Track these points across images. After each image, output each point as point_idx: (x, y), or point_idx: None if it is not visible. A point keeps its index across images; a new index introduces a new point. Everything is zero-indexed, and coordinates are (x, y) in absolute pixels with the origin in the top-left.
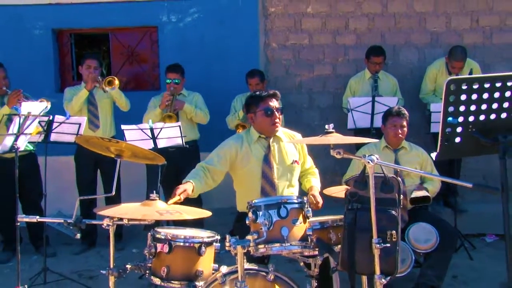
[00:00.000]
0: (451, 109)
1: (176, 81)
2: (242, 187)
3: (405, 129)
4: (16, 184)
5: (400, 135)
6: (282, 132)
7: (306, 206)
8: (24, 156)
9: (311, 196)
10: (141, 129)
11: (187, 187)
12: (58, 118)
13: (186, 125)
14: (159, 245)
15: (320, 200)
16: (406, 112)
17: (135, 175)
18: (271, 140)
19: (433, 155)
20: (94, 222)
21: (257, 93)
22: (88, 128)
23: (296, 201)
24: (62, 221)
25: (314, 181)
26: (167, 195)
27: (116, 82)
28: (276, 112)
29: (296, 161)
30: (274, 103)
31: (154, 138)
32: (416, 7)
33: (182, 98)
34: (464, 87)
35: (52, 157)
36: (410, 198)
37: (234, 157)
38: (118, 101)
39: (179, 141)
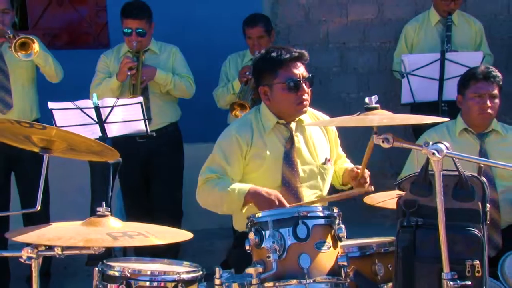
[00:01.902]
0: None
1: (140, 30)
2: None
3: (497, 101)
4: None
5: (489, 111)
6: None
7: (337, 221)
8: None
9: (350, 170)
10: (81, 109)
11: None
12: None
13: (161, 101)
14: (111, 287)
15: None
16: (499, 74)
17: (72, 179)
18: (293, 128)
19: None
20: (5, 254)
21: (274, 53)
22: None
23: (321, 214)
24: None
25: (348, 165)
26: (129, 209)
27: (35, 46)
28: (304, 85)
29: (329, 159)
30: (301, 70)
31: (101, 122)
32: None
33: (152, 57)
34: None
35: None
36: None
37: (244, 156)
38: (43, 68)
39: (140, 127)
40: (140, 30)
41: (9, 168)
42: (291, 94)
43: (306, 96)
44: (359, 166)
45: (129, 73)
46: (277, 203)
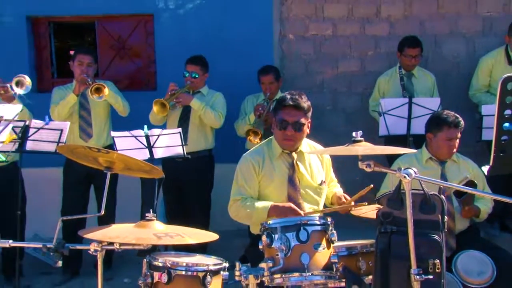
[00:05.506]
0: (508, 112)
1: (195, 75)
2: None
3: (458, 141)
4: None
5: (454, 150)
6: (307, 143)
7: (330, 228)
8: (2, 169)
9: (338, 197)
10: (135, 137)
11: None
12: (36, 123)
13: (198, 130)
14: (156, 274)
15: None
16: (462, 122)
17: (134, 190)
18: (295, 156)
19: (485, 169)
20: (79, 247)
21: (281, 97)
22: (79, 137)
23: (318, 222)
24: (41, 246)
25: (337, 189)
26: (170, 215)
27: (106, 90)
28: (290, 127)
29: (324, 181)
30: (292, 115)
31: (150, 147)
32: None
33: (200, 98)
34: None
35: (34, 169)
36: (453, 191)
37: (258, 174)
38: (114, 105)
39: (179, 151)
40: (195, 74)
41: (89, 182)
42: (279, 131)
43: (289, 136)
44: (347, 197)
45: (169, 93)
46: (292, 210)
